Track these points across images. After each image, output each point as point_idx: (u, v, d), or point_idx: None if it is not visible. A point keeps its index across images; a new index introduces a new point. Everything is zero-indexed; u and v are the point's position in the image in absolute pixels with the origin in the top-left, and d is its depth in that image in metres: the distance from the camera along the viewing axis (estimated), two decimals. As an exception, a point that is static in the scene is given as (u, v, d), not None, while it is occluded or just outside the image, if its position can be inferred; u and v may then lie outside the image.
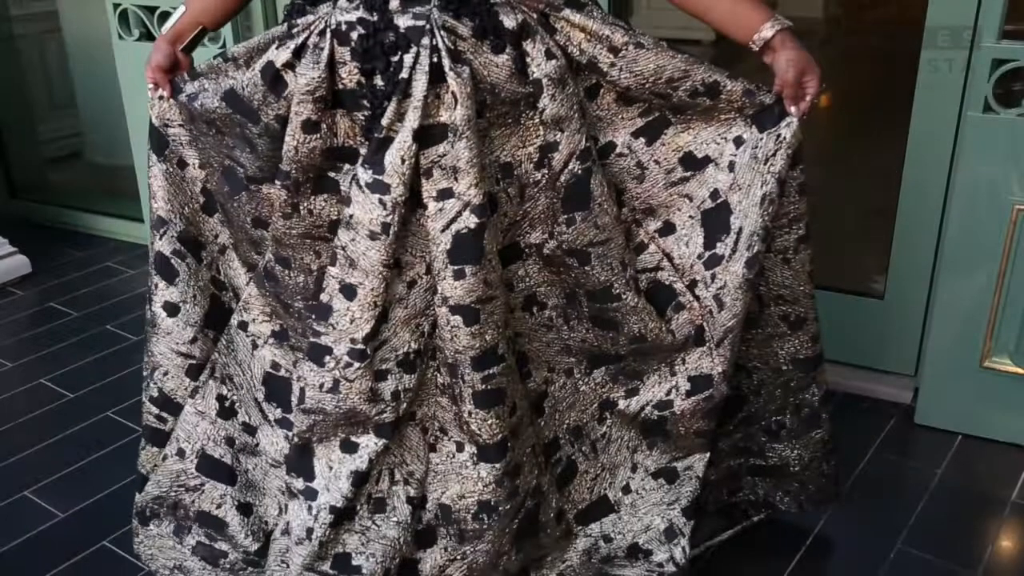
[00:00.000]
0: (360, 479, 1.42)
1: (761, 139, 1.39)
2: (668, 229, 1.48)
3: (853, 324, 2.28)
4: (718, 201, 1.45)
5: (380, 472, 1.44)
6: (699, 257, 1.46)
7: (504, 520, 1.45)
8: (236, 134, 1.44)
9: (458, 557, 1.47)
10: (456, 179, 1.30)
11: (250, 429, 1.61)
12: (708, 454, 1.56)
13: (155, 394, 1.61)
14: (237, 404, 1.61)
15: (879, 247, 2.30)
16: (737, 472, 1.72)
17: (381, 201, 1.30)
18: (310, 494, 1.44)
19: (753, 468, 1.72)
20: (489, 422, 1.38)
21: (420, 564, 1.49)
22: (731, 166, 1.43)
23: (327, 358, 1.37)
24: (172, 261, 1.56)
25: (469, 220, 1.30)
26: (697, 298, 1.47)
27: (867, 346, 2.30)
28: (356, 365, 1.36)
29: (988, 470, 2.03)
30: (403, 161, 1.28)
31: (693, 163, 1.45)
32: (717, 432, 1.59)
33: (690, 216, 1.47)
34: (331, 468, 1.42)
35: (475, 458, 1.41)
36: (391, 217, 1.30)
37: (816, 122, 3.22)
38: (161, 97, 1.50)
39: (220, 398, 1.61)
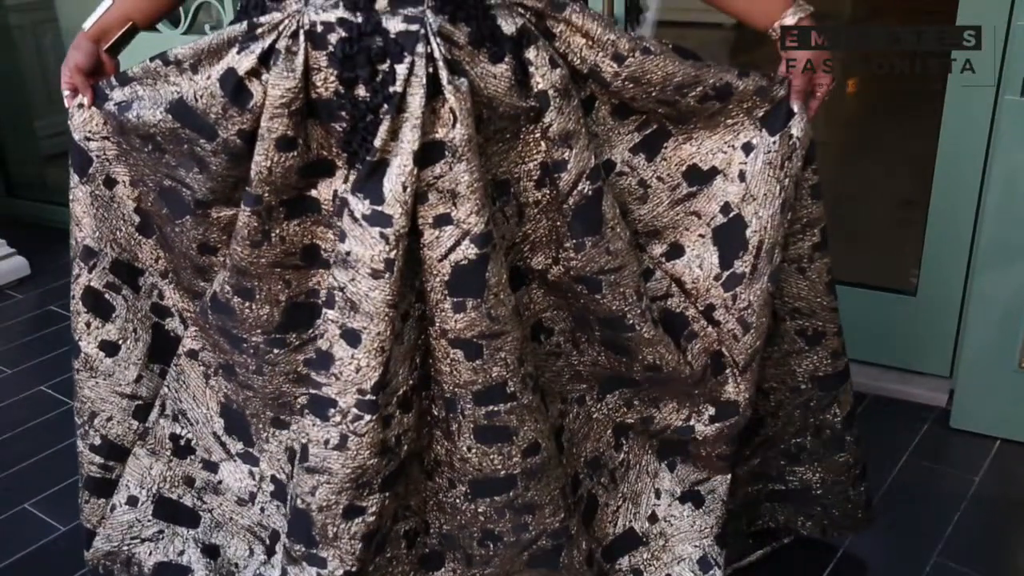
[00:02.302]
0: (371, 537, 1.32)
1: (773, 142, 1.33)
2: (676, 252, 1.40)
3: (884, 322, 2.24)
4: (730, 215, 1.37)
5: (386, 520, 1.35)
6: (716, 278, 1.38)
7: (512, 549, 1.38)
8: (182, 151, 1.28)
9: None
10: (455, 205, 1.18)
11: (211, 466, 1.52)
12: (729, 475, 1.50)
13: (97, 442, 1.51)
14: (193, 441, 1.51)
15: (911, 240, 2.26)
16: (756, 499, 1.67)
17: (383, 235, 1.17)
18: (316, 561, 1.32)
19: (772, 494, 1.67)
20: (491, 457, 1.30)
21: None
22: (741, 175, 1.35)
23: (331, 411, 1.24)
24: (106, 296, 1.45)
25: (469, 251, 1.19)
26: (717, 323, 1.39)
27: (899, 345, 2.26)
28: (367, 418, 1.23)
29: (1029, 476, 1.99)
30: (405, 188, 1.16)
31: (699, 176, 1.37)
32: (734, 457, 1.53)
33: (700, 235, 1.39)
34: (337, 537, 1.30)
35: (468, 495, 1.34)
36: (394, 252, 1.17)
37: (844, 109, 3.16)
38: (81, 105, 1.36)
39: (174, 437, 1.51)
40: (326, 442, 1.25)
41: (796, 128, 1.32)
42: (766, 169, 1.33)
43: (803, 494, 1.64)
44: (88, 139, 1.37)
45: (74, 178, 1.39)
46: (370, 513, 1.29)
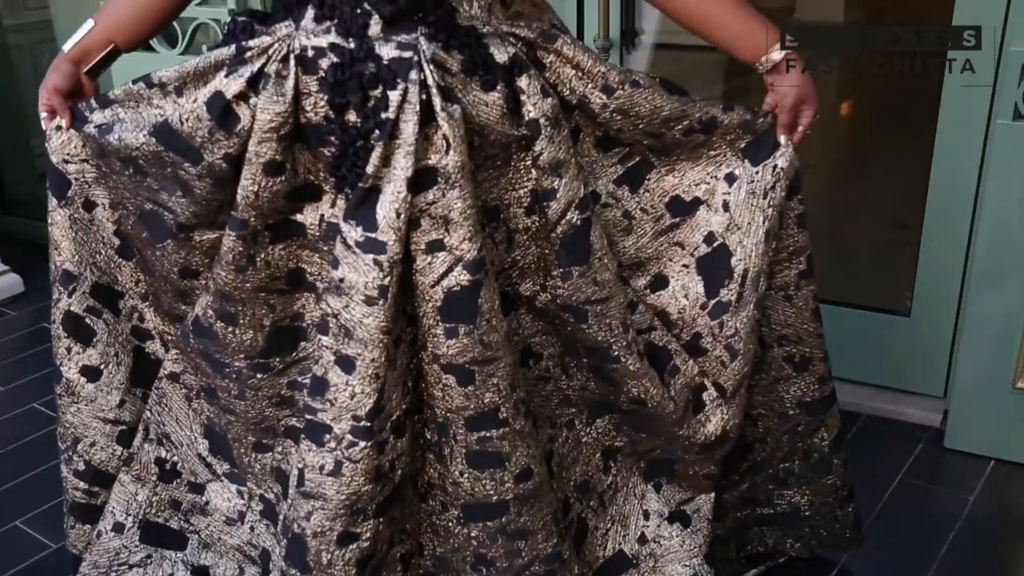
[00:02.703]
0: (365, 562, 1.30)
1: (756, 172, 1.33)
2: (659, 283, 1.40)
3: (878, 342, 2.23)
4: (714, 245, 1.37)
5: (382, 545, 1.33)
6: (702, 307, 1.39)
7: (505, 574, 1.37)
8: (165, 175, 1.27)
9: None
10: (447, 231, 1.18)
11: (197, 488, 1.50)
12: (713, 494, 1.50)
13: (81, 468, 1.49)
14: (179, 464, 1.50)
15: (905, 261, 2.25)
16: (744, 524, 1.66)
17: (376, 262, 1.16)
18: None
19: (760, 518, 1.66)
20: (484, 482, 1.29)
21: None
22: (725, 205, 1.36)
23: (326, 437, 1.22)
24: (87, 320, 1.42)
25: (462, 277, 1.19)
26: (704, 351, 1.40)
27: (893, 366, 2.25)
28: (361, 444, 1.21)
29: (1023, 496, 1.97)
30: (398, 215, 1.16)
31: (682, 207, 1.37)
32: (722, 483, 1.53)
33: (684, 265, 1.39)
34: (331, 564, 1.28)
35: (461, 519, 1.33)
36: (388, 279, 1.16)
37: (839, 131, 3.18)
38: (59, 127, 1.35)
39: (160, 461, 1.50)
40: (321, 468, 1.24)
41: (781, 159, 1.33)
42: (749, 199, 1.33)
43: (791, 516, 1.63)
44: (66, 162, 1.36)
45: (52, 201, 1.37)
46: (364, 539, 1.27)
